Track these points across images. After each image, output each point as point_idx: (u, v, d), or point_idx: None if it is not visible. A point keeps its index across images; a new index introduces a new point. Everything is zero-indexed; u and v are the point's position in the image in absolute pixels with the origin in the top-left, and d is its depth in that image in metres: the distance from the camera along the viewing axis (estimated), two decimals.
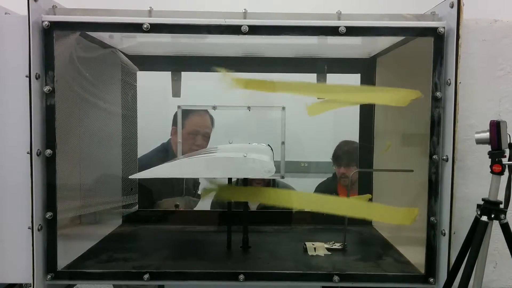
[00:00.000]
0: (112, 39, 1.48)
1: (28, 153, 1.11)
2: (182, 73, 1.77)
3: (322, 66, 1.71)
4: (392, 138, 1.58)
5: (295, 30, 1.17)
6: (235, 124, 2.27)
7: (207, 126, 2.10)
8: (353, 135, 1.88)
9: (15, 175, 1.17)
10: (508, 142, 1.02)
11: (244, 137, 1.76)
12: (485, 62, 1.21)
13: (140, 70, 1.75)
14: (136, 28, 1.15)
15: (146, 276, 1.19)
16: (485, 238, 1.03)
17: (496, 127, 1.01)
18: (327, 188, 2.34)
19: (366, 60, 1.73)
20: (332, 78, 1.75)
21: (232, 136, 1.66)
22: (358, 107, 1.76)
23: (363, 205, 1.30)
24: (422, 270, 1.21)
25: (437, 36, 1.16)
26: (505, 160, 1.01)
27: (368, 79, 1.71)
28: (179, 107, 1.68)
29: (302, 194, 1.31)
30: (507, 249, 1.05)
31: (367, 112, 1.74)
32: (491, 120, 1.02)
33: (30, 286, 1.15)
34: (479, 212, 1.05)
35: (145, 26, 1.14)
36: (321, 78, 1.74)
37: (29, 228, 1.13)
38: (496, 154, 1.02)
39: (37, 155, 1.12)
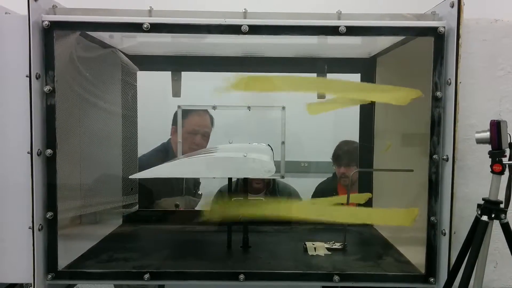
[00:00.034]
0: (112, 39, 1.48)
1: (28, 153, 1.11)
2: (182, 73, 1.77)
3: (322, 66, 1.71)
4: (392, 138, 1.58)
5: (295, 30, 1.17)
6: (235, 124, 2.27)
7: (207, 126, 2.10)
8: (353, 135, 1.88)
9: (16, 175, 1.17)
10: (509, 141, 1.02)
11: (244, 137, 1.76)
12: (486, 62, 1.21)
13: (140, 70, 1.75)
14: (136, 27, 1.15)
15: (146, 276, 1.19)
16: (486, 237, 1.03)
17: (496, 127, 1.01)
18: (327, 187, 2.34)
19: (366, 60, 1.73)
20: (332, 77, 1.75)
21: (232, 136, 1.66)
22: (358, 107, 1.76)
23: (362, 212, 1.31)
24: (423, 270, 1.21)
25: (437, 36, 1.15)
26: (505, 160, 1.01)
27: (368, 79, 1.71)
28: (179, 107, 1.68)
29: (301, 204, 1.30)
30: (508, 249, 1.05)
31: (367, 112, 1.74)
32: (491, 120, 1.02)
33: (31, 286, 1.15)
34: (479, 212, 1.05)
35: (145, 26, 1.14)
36: (321, 77, 1.74)
37: (29, 228, 1.13)
38: (496, 154, 1.02)
39: (38, 155, 1.12)
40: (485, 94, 1.21)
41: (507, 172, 1.03)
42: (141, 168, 1.74)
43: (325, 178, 2.43)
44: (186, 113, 1.96)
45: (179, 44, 1.60)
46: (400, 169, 1.40)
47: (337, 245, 1.43)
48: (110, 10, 1.18)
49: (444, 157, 1.15)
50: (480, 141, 1.04)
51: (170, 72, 1.76)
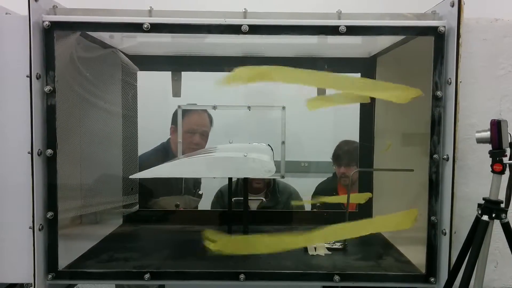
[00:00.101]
0: (112, 39, 1.48)
1: (29, 153, 1.11)
2: (182, 73, 1.77)
3: (322, 65, 1.71)
4: (393, 138, 1.58)
5: (295, 30, 1.17)
6: (235, 124, 2.27)
7: (205, 125, 2.10)
8: (353, 135, 1.87)
9: (16, 175, 1.17)
10: (509, 141, 1.02)
11: (244, 137, 1.76)
12: (486, 61, 1.21)
13: (141, 70, 1.75)
14: (136, 28, 1.15)
15: (146, 275, 1.19)
16: (486, 237, 1.03)
17: (497, 126, 1.01)
18: (327, 187, 2.34)
19: (367, 60, 1.73)
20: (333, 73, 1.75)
21: (232, 136, 1.66)
22: (358, 106, 1.76)
23: (363, 223, 1.31)
24: (423, 270, 1.21)
25: (437, 35, 1.15)
26: (506, 159, 1.01)
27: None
28: (179, 107, 1.68)
29: (306, 235, 1.29)
30: (508, 249, 1.05)
31: (367, 112, 1.74)
32: (491, 119, 1.02)
33: (31, 286, 1.15)
34: (480, 212, 1.05)
35: (145, 26, 1.14)
36: (323, 72, 1.74)
37: (30, 228, 1.13)
38: (497, 153, 1.02)
39: (38, 155, 1.13)
40: (485, 94, 1.21)
41: (507, 172, 1.02)
42: (141, 168, 1.75)
43: (325, 178, 2.43)
44: (184, 112, 1.96)
45: (179, 44, 1.60)
46: (401, 169, 1.40)
47: (337, 245, 1.43)
48: (110, 10, 1.18)
49: (445, 156, 1.15)
50: (480, 141, 1.04)
51: (170, 72, 1.76)
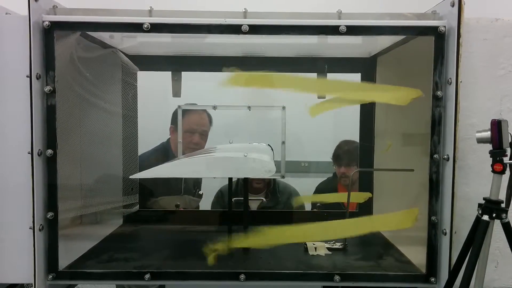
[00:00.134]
0: (112, 39, 1.48)
1: (29, 153, 1.11)
2: (182, 73, 1.77)
3: (323, 65, 1.71)
4: (393, 138, 1.58)
5: (296, 30, 1.17)
6: (235, 124, 2.27)
7: (204, 124, 2.09)
8: (354, 135, 1.87)
9: (16, 175, 1.17)
10: (509, 141, 1.02)
11: (244, 137, 1.76)
12: (486, 61, 1.21)
13: (141, 70, 1.75)
14: (136, 28, 1.15)
15: (147, 276, 1.19)
16: (487, 237, 1.03)
17: (497, 126, 1.01)
18: (328, 187, 2.34)
19: (367, 60, 1.73)
20: (333, 78, 1.75)
21: (232, 136, 1.66)
22: (358, 106, 1.76)
23: (363, 222, 1.31)
24: (423, 270, 1.21)
25: (438, 35, 1.15)
26: (506, 159, 1.01)
27: (369, 79, 1.71)
28: (179, 107, 1.68)
29: (304, 227, 1.29)
30: (509, 249, 1.04)
31: (367, 112, 1.74)
32: (492, 119, 1.02)
33: (32, 286, 1.15)
34: (480, 212, 1.05)
35: (145, 26, 1.14)
36: (322, 77, 1.74)
37: (30, 228, 1.13)
38: (497, 153, 1.01)
39: (38, 155, 1.12)
40: (485, 94, 1.21)
41: (508, 172, 1.02)
42: (141, 168, 1.75)
43: (325, 178, 2.43)
44: (184, 112, 1.96)
45: (179, 44, 1.60)
46: (401, 169, 1.40)
47: (337, 245, 1.43)
48: (110, 10, 1.18)
49: (445, 156, 1.15)
50: (481, 141, 1.04)
51: (170, 72, 1.76)
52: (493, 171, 1.02)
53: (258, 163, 1.28)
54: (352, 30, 1.16)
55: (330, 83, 1.27)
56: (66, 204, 1.24)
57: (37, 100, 1.12)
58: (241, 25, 1.15)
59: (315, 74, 1.73)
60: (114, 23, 1.17)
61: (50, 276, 1.17)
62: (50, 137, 1.15)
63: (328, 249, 1.40)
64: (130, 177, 1.40)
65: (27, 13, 1.10)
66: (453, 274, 1.09)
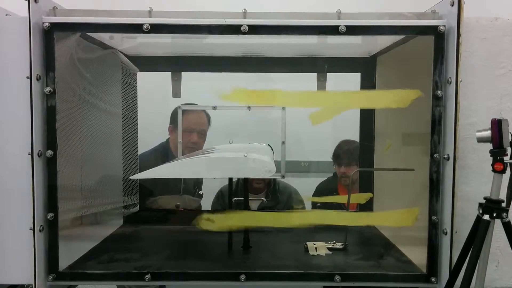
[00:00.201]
0: (112, 40, 1.48)
1: (29, 154, 1.11)
2: (182, 73, 1.77)
3: (322, 65, 1.71)
4: (393, 137, 1.57)
5: (295, 30, 1.17)
6: (235, 124, 2.26)
7: (203, 124, 2.09)
8: (354, 135, 1.87)
9: (16, 176, 1.17)
10: (510, 140, 1.02)
11: (244, 137, 1.76)
12: (486, 60, 1.20)
13: (140, 70, 1.75)
14: (136, 28, 1.16)
15: (147, 276, 1.19)
16: (487, 237, 1.03)
17: (497, 126, 1.01)
18: (328, 187, 2.34)
19: (366, 59, 1.73)
20: (332, 78, 1.75)
21: (232, 136, 1.66)
22: None
23: (363, 216, 1.31)
24: (424, 270, 1.20)
25: (437, 35, 1.15)
26: (506, 159, 1.01)
27: (368, 78, 1.71)
28: (179, 107, 1.68)
29: (303, 213, 1.30)
30: (509, 248, 1.04)
31: (367, 112, 1.74)
32: (492, 119, 1.02)
33: (32, 287, 1.15)
34: (481, 211, 1.05)
35: (145, 26, 1.14)
36: (321, 77, 1.74)
37: (30, 229, 1.13)
38: (497, 153, 1.01)
39: (38, 156, 1.12)
40: (485, 93, 1.21)
41: (508, 171, 1.02)
42: (140, 168, 1.75)
43: (326, 178, 2.43)
44: (183, 111, 1.96)
45: (179, 45, 1.60)
46: (401, 169, 1.39)
47: (338, 245, 1.43)
48: (110, 11, 1.18)
49: (445, 156, 1.15)
50: (481, 140, 1.04)
51: (170, 72, 1.76)
52: (494, 170, 1.02)
53: (258, 163, 1.28)
54: (352, 30, 1.16)
55: (329, 95, 1.28)
56: (66, 205, 1.24)
57: (37, 101, 1.12)
58: (241, 26, 1.15)
59: (315, 74, 1.73)
60: (114, 24, 1.17)
61: (51, 277, 1.17)
62: (50, 138, 1.15)
63: (329, 249, 1.40)
64: (130, 177, 1.40)
65: (27, 15, 1.11)
66: (453, 274, 1.09)
